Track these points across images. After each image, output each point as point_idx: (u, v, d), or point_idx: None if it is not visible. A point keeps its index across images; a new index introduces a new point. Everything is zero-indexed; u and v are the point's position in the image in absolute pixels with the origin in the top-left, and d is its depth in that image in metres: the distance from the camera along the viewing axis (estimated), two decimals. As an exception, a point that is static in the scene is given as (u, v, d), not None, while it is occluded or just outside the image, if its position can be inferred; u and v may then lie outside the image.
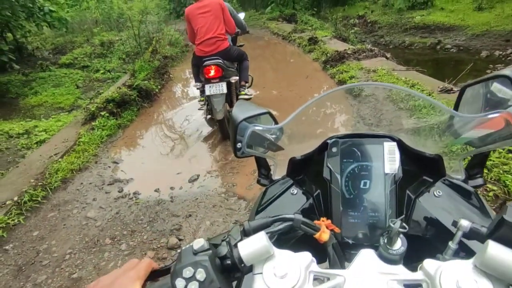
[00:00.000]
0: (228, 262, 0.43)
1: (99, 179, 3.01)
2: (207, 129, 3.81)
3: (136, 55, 7.03)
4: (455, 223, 0.45)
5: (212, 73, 3.04)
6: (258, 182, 0.78)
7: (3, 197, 2.67)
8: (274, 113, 0.66)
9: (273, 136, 0.68)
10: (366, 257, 0.44)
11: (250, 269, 0.43)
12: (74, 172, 3.10)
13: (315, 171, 0.70)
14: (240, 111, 0.61)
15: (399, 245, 0.43)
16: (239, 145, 0.60)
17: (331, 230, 0.50)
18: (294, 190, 0.70)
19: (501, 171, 2.13)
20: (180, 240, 2.18)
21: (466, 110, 0.65)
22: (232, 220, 2.31)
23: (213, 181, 2.81)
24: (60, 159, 3.22)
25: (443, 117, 0.69)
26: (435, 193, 0.61)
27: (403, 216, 0.55)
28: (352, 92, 3.92)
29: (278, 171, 0.79)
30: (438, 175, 0.65)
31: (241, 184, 2.71)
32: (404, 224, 0.42)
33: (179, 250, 2.00)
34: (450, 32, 8.36)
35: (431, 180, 0.65)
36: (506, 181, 2.05)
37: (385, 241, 0.44)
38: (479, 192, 0.75)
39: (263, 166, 0.77)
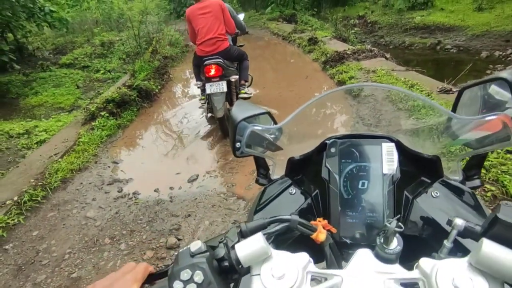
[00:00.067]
0: (226, 264, 0.43)
1: (98, 179, 3.01)
2: (206, 130, 3.82)
3: (136, 55, 7.04)
4: (449, 222, 0.46)
5: (213, 72, 3.10)
6: (257, 181, 0.78)
7: (3, 197, 2.67)
8: (274, 112, 0.66)
9: (272, 136, 0.68)
10: (363, 256, 0.45)
11: (247, 270, 0.43)
12: (74, 172, 3.11)
13: (313, 171, 0.70)
14: (239, 111, 0.61)
15: (395, 244, 0.44)
16: (238, 144, 0.60)
17: (328, 230, 0.50)
18: (293, 190, 0.70)
19: (499, 172, 2.14)
20: (179, 240, 2.18)
21: (464, 112, 0.66)
22: (231, 220, 2.31)
23: (212, 181, 2.82)
24: (60, 159, 3.22)
25: (441, 118, 0.70)
26: (432, 194, 0.61)
27: (399, 215, 0.56)
28: (352, 92, 3.92)
29: (277, 170, 0.79)
30: (436, 176, 0.65)
31: (240, 184, 2.71)
32: (400, 224, 0.43)
33: (178, 250, 2.00)
34: (450, 32, 8.37)
35: (429, 181, 0.65)
36: (504, 181, 2.06)
37: (382, 240, 0.44)
38: (476, 193, 0.76)
39: (261, 166, 0.77)
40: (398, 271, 0.42)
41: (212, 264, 0.41)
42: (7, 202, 2.60)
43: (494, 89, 0.57)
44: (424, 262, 0.39)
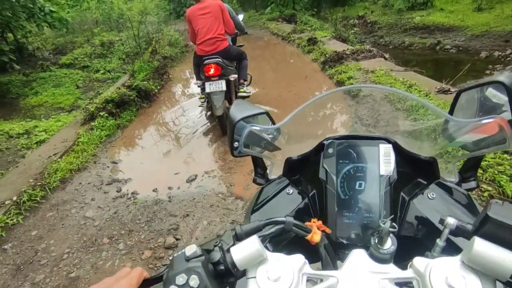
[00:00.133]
0: (221, 267, 0.42)
1: (97, 179, 3.01)
2: (206, 130, 3.82)
3: (135, 56, 7.04)
4: (442, 221, 0.46)
5: (212, 71, 3.15)
6: (254, 181, 0.78)
7: (2, 197, 2.67)
8: (273, 111, 0.66)
9: (270, 136, 0.69)
10: (357, 257, 0.45)
11: (243, 273, 0.43)
12: (73, 172, 3.11)
13: (311, 171, 0.70)
14: (237, 111, 0.61)
15: (389, 244, 0.44)
16: (236, 144, 0.60)
17: (323, 231, 0.50)
18: (290, 190, 0.70)
19: (496, 172, 2.15)
20: (177, 239, 2.19)
21: (461, 115, 0.66)
22: (229, 220, 2.31)
23: (211, 181, 2.82)
24: (59, 159, 3.22)
25: (439, 120, 0.70)
26: (428, 195, 0.61)
27: (393, 216, 0.56)
28: (350, 92, 3.93)
29: (275, 170, 0.79)
30: (432, 178, 0.65)
31: (238, 184, 2.72)
32: (394, 224, 0.43)
33: (176, 249, 2.00)
34: (450, 32, 8.37)
35: (425, 183, 0.65)
36: (501, 182, 2.06)
37: (376, 241, 0.45)
38: (473, 193, 0.76)
39: (259, 166, 0.78)
40: (393, 270, 0.42)
41: (207, 268, 0.41)
42: (6, 202, 2.60)
43: (491, 92, 0.58)
44: (418, 261, 0.39)
